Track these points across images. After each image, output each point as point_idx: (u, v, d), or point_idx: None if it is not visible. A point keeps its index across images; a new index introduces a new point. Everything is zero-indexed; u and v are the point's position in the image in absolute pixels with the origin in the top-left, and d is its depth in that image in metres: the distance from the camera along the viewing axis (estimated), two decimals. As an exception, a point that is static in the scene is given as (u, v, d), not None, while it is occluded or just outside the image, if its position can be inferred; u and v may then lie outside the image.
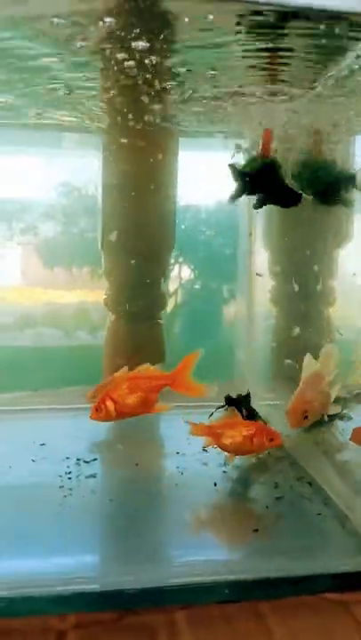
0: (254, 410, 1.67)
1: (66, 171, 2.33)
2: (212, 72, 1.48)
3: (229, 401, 1.65)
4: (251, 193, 1.56)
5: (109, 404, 1.47)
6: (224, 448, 1.44)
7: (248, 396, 1.69)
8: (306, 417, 1.37)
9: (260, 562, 1.17)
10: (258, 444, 1.40)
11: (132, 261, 2.21)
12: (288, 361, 1.76)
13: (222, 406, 1.65)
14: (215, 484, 1.43)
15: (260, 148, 1.61)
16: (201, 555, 1.19)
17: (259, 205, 1.55)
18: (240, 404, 1.64)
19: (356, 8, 1.06)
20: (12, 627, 1.02)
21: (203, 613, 1.07)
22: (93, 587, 1.08)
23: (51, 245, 2.38)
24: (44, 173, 2.38)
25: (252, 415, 1.64)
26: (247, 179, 1.53)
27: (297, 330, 1.87)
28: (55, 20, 1.14)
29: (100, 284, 2.31)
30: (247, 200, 1.86)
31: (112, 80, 1.57)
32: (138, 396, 1.50)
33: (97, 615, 1.05)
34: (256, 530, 1.26)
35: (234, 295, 2.35)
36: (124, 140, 2.06)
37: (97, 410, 1.47)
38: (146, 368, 1.56)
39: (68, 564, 1.13)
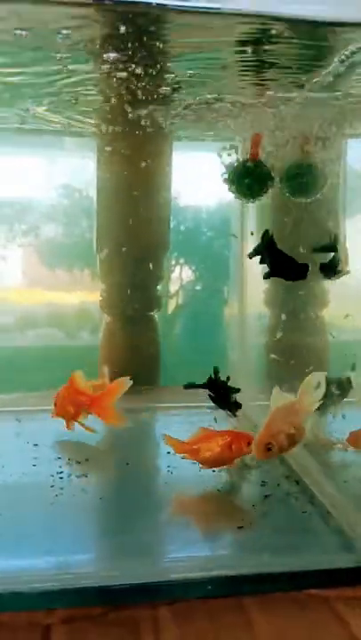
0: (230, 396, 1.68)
1: (65, 173, 2.36)
2: (203, 80, 1.52)
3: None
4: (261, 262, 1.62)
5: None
6: (204, 462, 1.45)
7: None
8: (269, 449, 1.32)
9: (243, 558, 1.20)
10: (236, 450, 1.42)
11: (127, 264, 2.25)
12: (273, 355, 1.78)
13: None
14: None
15: (250, 151, 1.64)
16: (187, 551, 1.21)
17: (267, 276, 1.61)
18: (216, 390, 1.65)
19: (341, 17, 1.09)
20: (1, 621, 1.04)
21: (187, 609, 1.09)
22: (81, 582, 1.11)
23: (51, 247, 2.40)
24: (44, 175, 2.41)
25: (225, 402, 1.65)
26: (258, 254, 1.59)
27: (280, 334, 1.89)
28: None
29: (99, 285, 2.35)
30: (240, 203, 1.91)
31: (107, 88, 1.60)
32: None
33: (84, 610, 1.07)
34: (241, 527, 1.28)
35: (227, 296, 2.37)
36: (117, 145, 2.09)
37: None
38: (78, 375, 1.71)
39: (56, 560, 1.15)
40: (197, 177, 2.17)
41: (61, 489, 1.41)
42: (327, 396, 1.41)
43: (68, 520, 1.30)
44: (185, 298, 2.53)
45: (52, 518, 1.30)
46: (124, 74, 1.43)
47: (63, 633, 1.02)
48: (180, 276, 2.51)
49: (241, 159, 1.70)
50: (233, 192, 1.69)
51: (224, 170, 1.72)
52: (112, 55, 1.34)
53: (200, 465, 1.47)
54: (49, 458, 1.59)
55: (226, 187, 1.73)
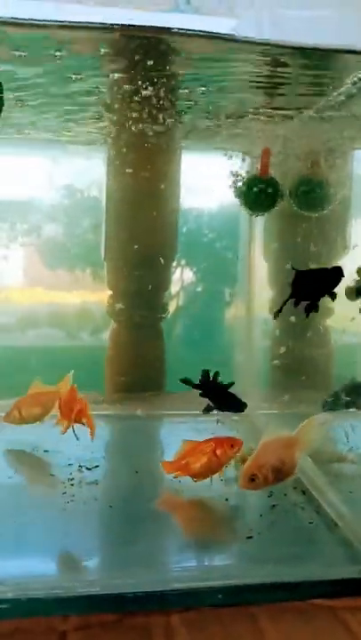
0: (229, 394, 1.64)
1: (70, 175, 2.38)
2: (214, 97, 1.56)
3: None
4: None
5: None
6: (197, 475, 1.46)
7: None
8: (253, 480, 1.31)
9: (253, 568, 1.23)
10: (222, 455, 1.44)
11: (134, 271, 2.28)
12: (275, 362, 1.80)
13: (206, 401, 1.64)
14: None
15: (260, 166, 1.67)
16: (197, 560, 1.24)
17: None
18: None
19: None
20: (17, 627, 1.07)
21: (198, 616, 1.12)
22: (95, 590, 1.14)
23: (54, 247, 2.42)
24: (53, 178, 2.42)
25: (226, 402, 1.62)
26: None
27: (283, 349, 1.91)
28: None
29: (102, 285, 2.38)
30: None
31: (119, 101, 1.64)
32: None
33: (98, 617, 1.10)
34: (250, 537, 1.31)
35: (233, 303, 2.40)
36: (127, 154, 2.12)
37: None
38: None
39: (70, 567, 1.18)
40: (206, 186, 2.19)
41: (73, 496, 1.44)
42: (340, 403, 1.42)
43: (81, 527, 1.33)
44: (190, 304, 2.55)
45: (65, 525, 1.34)
46: (132, 88, 1.47)
47: (79, 639, 1.05)
48: (184, 281, 2.53)
49: (250, 173, 1.73)
50: (242, 205, 1.72)
51: (233, 182, 1.75)
52: (121, 73, 1.38)
53: (193, 479, 1.48)
54: (59, 464, 1.61)
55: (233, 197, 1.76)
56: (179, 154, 2.17)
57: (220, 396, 1.65)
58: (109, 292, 2.34)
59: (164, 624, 1.09)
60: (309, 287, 1.39)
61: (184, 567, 1.23)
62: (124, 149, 2.10)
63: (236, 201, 1.80)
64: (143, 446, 1.87)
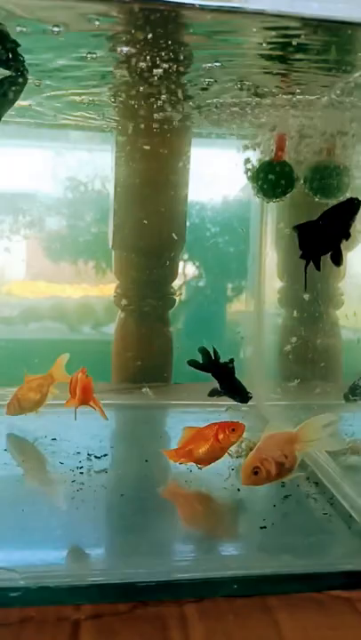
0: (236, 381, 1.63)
1: (75, 166, 2.35)
2: (231, 77, 1.52)
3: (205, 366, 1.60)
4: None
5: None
6: (202, 461, 1.44)
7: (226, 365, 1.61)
8: (256, 473, 1.27)
9: (268, 558, 1.20)
10: (224, 439, 1.41)
11: (142, 260, 2.25)
12: (287, 347, 1.77)
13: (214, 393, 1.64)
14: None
15: (274, 151, 1.64)
16: (211, 550, 1.22)
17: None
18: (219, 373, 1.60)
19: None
20: (28, 615, 1.05)
21: (212, 607, 1.10)
22: (107, 578, 1.11)
23: (60, 239, 2.40)
24: (53, 168, 2.40)
25: (232, 387, 1.61)
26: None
27: (294, 339, 1.88)
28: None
29: (105, 278, 2.35)
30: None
31: (128, 83, 1.60)
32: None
33: (110, 606, 1.08)
34: (263, 527, 1.29)
35: (241, 294, 2.37)
36: (137, 141, 2.09)
37: None
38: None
39: (81, 556, 1.16)
40: (217, 173, 2.16)
41: (82, 484, 1.42)
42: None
43: (91, 515, 1.31)
44: (197, 294, 2.53)
45: (75, 513, 1.31)
46: (142, 67, 1.43)
47: (92, 629, 1.03)
48: (190, 272, 2.50)
49: (264, 158, 1.70)
50: (256, 191, 1.68)
51: (246, 168, 1.72)
52: (130, 49, 1.33)
53: (198, 465, 1.46)
54: (68, 453, 1.59)
55: (244, 184, 1.73)
56: (189, 140, 2.13)
57: (226, 378, 1.63)
58: (116, 281, 2.31)
59: (178, 614, 1.07)
60: (321, 236, 1.29)
61: (197, 556, 1.21)
62: (133, 135, 2.06)
63: (246, 188, 1.77)
64: (151, 435, 1.85)
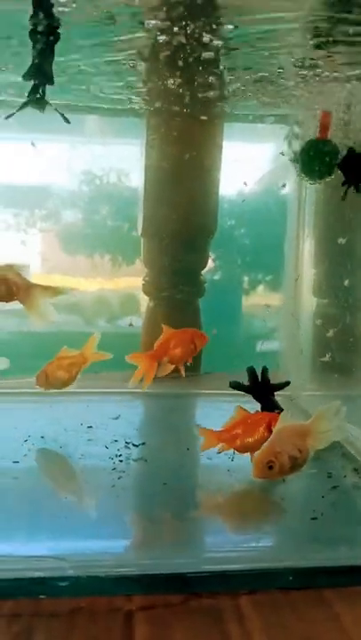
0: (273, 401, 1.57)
1: (112, 156, 2.30)
2: (269, 52, 1.46)
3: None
4: None
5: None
6: (245, 449, 1.37)
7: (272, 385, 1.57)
8: (271, 467, 1.22)
9: (320, 550, 1.16)
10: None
11: (172, 248, 2.20)
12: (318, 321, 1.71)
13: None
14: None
15: (319, 130, 1.59)
16: (262, 541, 1.17)
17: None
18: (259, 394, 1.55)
19: None
20: (78, 606, 1.01)
21: (267, 599, 1.05)
22: (157, 569, 1.07)
23: (84, 232, 2.35)
24: (80, 160, 2.35)
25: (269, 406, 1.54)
26: None
27: (331, 332, 1.83)
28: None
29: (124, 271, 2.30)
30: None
31: (162, 63, 1.55)
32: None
33: (162, 597, 1.03)
34: (314, 518, 1.24)
35: (279, 285, 2.32)
36: (167, 128, 2.04)
37: None
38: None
39: (131, 545, 1.12)
40: (253, 157, 2.10)
41: (123, 472, 1.38)
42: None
43: (135, 504, 1.26)
44: (228, 282, 2.47)
45: (117, 502, 1.27)
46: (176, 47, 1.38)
47: (145, 620, 0.98)
48: (221, 259, 2.45)
49: (307, 138, 1.65)
50: (300, 172, 1.63)
51: (288, 147, 1.66)
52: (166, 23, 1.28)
53: (235, 451, 1.39)
54: (105, 441, 1.55)
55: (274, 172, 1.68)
56: (222, 123, 2.08)
57: (266, 400, 1.57)
58: (145, 270, 2.26)
59: (233, 606, 1.02)
60: None
61: (249, 547, 1.16)
62: (165, 119, 2.01)
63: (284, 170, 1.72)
64: (185, 424, 1.80)
